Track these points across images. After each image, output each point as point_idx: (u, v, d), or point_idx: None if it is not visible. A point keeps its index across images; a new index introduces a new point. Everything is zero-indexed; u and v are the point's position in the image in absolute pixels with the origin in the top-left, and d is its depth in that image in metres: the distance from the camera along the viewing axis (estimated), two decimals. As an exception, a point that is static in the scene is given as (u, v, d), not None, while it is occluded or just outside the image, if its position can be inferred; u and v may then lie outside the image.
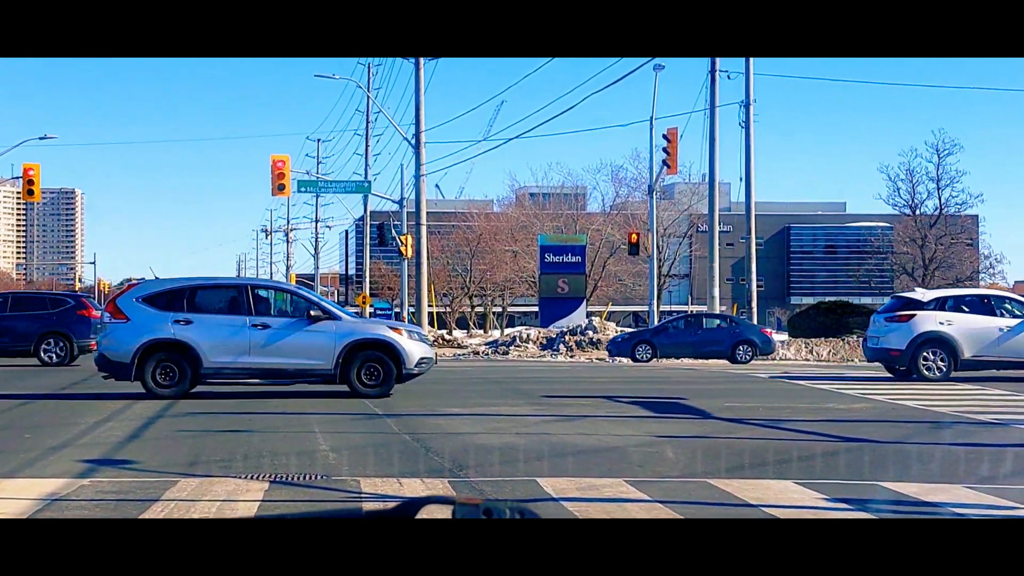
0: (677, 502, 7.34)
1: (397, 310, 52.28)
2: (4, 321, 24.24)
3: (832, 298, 51.56)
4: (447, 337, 44.16)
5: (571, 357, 33.14)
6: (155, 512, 6.94)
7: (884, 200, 67.78)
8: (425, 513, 1.92)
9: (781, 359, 32.10)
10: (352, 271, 75.57)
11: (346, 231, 76.55)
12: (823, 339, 34.94)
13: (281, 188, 37.60)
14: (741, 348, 29.99)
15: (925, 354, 19.55)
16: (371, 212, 56.35)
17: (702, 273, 50.82)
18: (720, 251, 37.07)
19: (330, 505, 7.34)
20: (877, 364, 21.57)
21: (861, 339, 27.00)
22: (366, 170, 55.39)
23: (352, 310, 33.97)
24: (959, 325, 19.58)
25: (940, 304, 20.06)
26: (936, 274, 63.24)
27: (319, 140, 73.01)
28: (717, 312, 35.16)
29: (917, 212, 65.33)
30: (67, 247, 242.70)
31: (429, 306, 43.32)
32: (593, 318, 38.75)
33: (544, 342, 35.67)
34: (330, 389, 15.56)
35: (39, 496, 7.56)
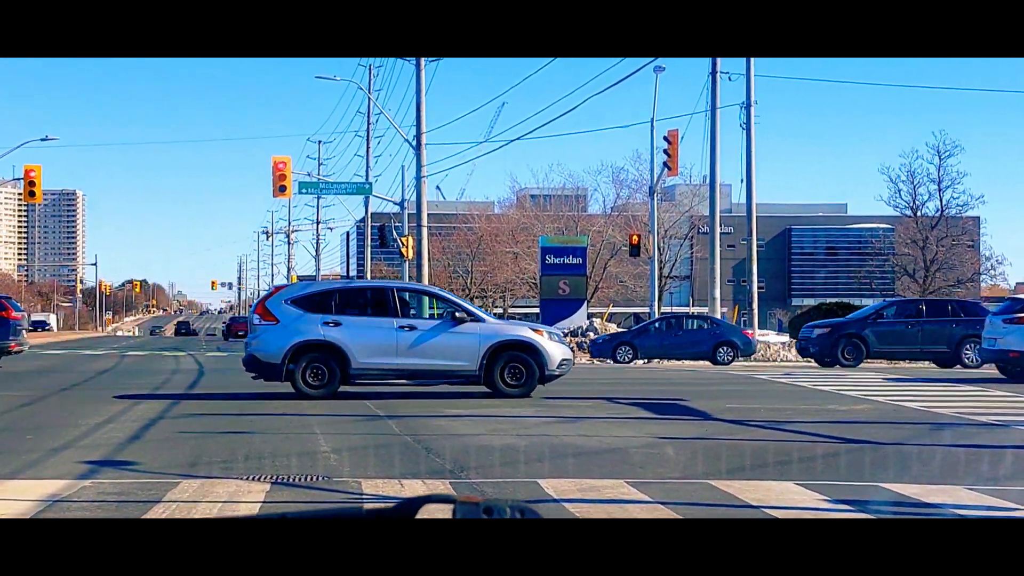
0: (678, 503, 7.34)
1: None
2: None
3: (833, 300, 51.61)
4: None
5: (572, 358, 33.08)
6: (157, 513, 6.94)
7: (885, 202, 68.02)
8: (425, 512, 1.92)
9: (783, 360, 32.09)
10: (353, 272, 75.53)
11: (347, 233, 76.53)
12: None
13: (282, 189, 37.64)
14: (722, 349, 29.98)
15: None
16: (372, 214, 56.38)
17: (703, 275, 50.76)
18: (721, 252, 37.05)
19: (331, 506, 7.34)
20: (878, 364, 21.55)
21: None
22: (367, 171, 55.43)
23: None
24: None
25: None
26: (937, 276, 63.29)
27: (320, 141, 73.22)
28: (705, 314, 35.15)
29: (918, 214, 65.39)
30: (68, 248, 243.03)
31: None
32: (594, 320, 38.75)
33: (545, 343, 35.59)
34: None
35: (40, 497, 7.55)
